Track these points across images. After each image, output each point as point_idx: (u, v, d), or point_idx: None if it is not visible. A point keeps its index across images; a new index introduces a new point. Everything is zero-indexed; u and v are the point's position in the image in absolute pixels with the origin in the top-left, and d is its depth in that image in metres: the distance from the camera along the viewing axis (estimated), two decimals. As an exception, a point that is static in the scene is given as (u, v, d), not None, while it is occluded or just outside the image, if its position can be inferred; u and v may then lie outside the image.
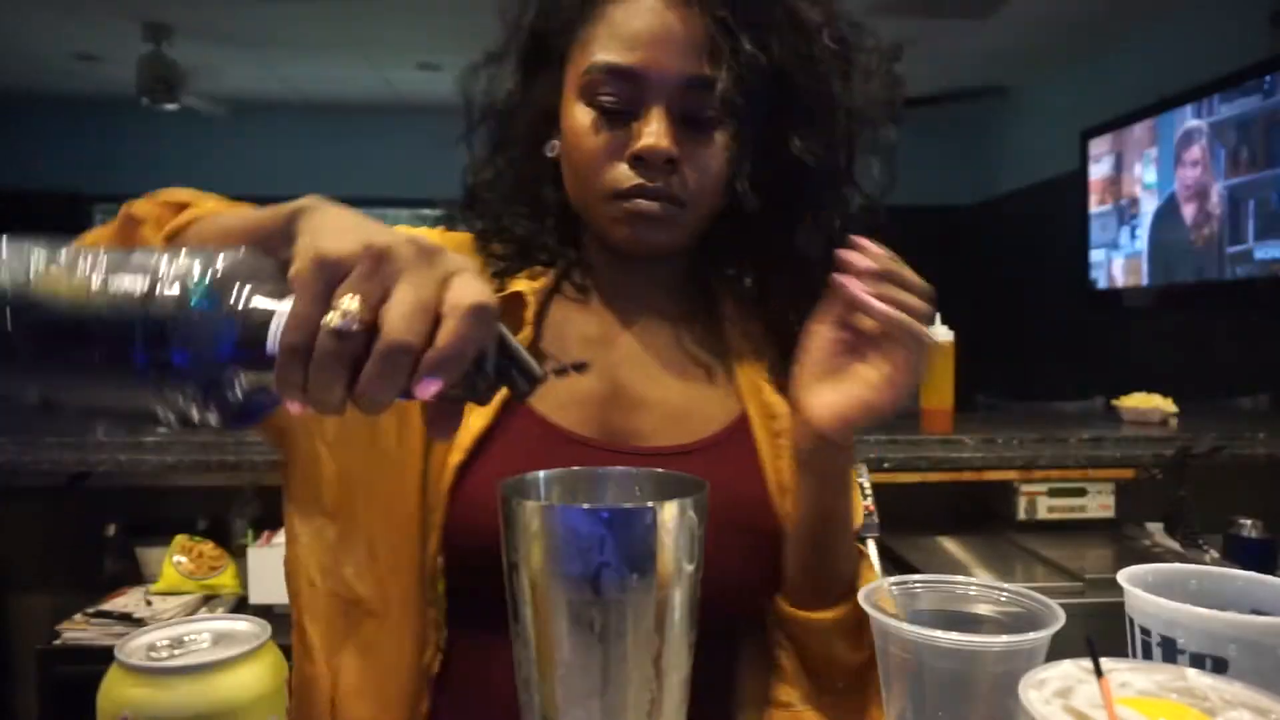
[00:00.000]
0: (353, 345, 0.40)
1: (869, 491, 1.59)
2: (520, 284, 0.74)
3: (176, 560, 1.81)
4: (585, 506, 0.46)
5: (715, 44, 0.67)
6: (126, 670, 0.45)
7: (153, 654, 0.47)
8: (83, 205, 6.49)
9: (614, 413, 0.74)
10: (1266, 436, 1.97)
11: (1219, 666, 0.47)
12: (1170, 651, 0.50)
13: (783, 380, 0.73)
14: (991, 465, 1.81)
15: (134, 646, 0.47)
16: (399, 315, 0.40)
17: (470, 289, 0.42)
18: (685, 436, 0.74)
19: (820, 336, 0.68)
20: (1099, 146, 4.96)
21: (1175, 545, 1.71)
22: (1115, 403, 2.34)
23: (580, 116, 0.70)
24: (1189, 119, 4.22)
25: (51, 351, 0.41)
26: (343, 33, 4.87)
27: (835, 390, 0.67)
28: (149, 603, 1.76)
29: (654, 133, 0.67)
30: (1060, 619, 0.48)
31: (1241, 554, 1.69)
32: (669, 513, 0.45)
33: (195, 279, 0.40)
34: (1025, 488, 1.79)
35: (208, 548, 1.86)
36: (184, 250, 0.41)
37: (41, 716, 1.70)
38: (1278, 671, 0.46)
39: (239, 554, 1.86)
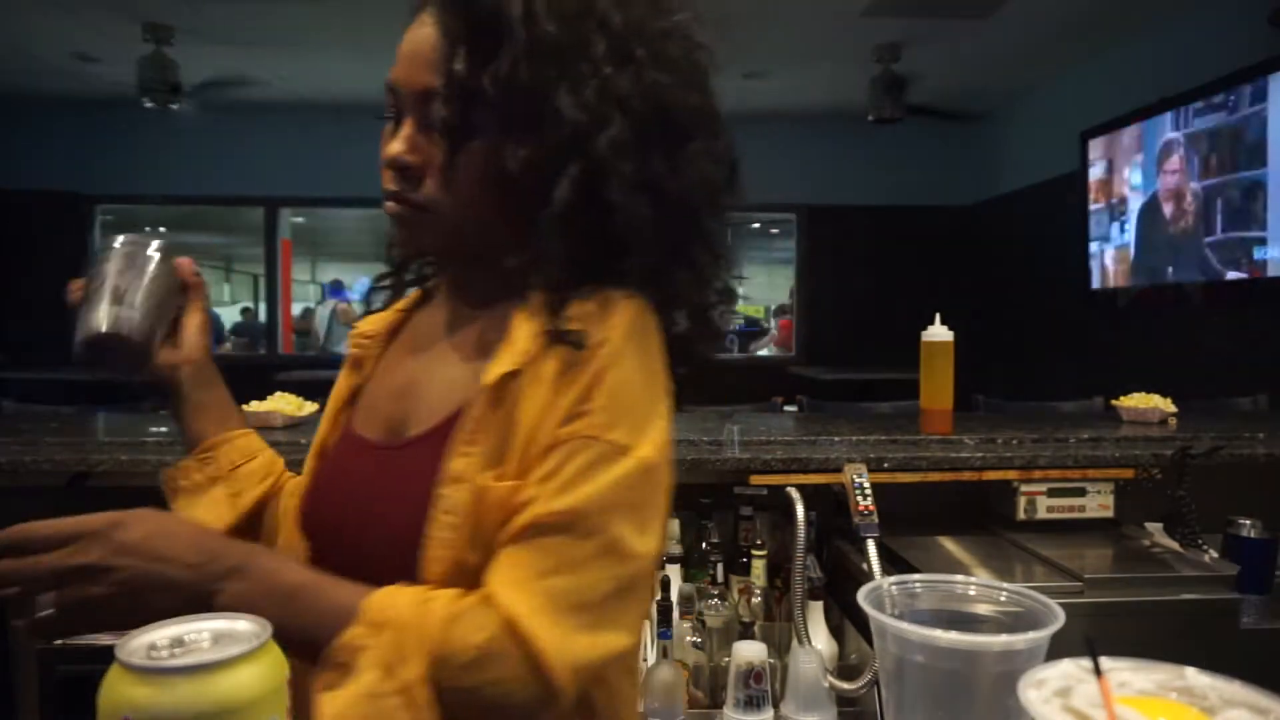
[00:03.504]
0: None
1: (869, 491, 1.59)
2: (368, 316, 0.90)
3: (176, 560, 1.81)
4: None
5: (442, 58, 0.71)
6: (127, 670, 0.45)
7: (153, 654, 0.47)
8: (83, 205, 6.50)
9: (395, 407, 0.80)
10: (1265, 436, 1.97)
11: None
12: None
13: (525, 348, 0.70)
14: (991, 465, 1.81)
15: (134, 646, 0.47)
16: None
17: None
18: (428, 423, 0.75)
19: None
20: (1097, 147, 4.96)
21: (1174, 545, 1.71)
22: (1114, 403, 2.34)
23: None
24: (1168, 130, 4.28)
25: None
26: (342, 33, 4.87)
27: None
28: (149, 603, 1.76)
29: (391, 142, 0.74)
30: (1060, 619, 0.48)
31: (1240, 554, 1.69)
32: None
33: None
34: (1025, 487, 1.79)
35: (208, 548, 1.86)
36: None
37: (42, 716, 1.70)
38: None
39: (239, 554, 1.86)
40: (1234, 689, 0.40)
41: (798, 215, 7.16)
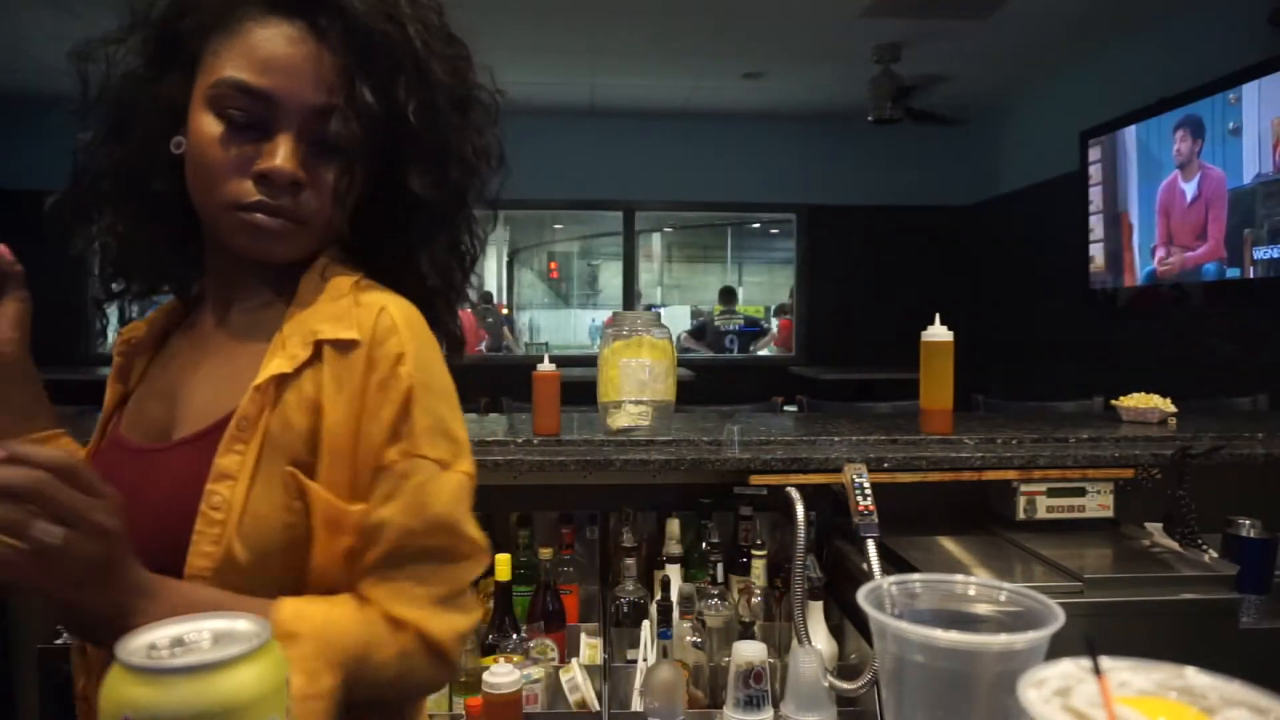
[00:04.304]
0: None
1: (869, 491, 1.59)
2: (131, 325, 0.87)
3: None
4: None
5: (339, 82, 0.74)
6: (127, 670, 0.45)
7: (153, 654, 0.47)
8: (82, 205, 6.49)
9: (162, 411, 0.80)
10: (1265, 436, 1.98)
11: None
12: None
13: (296, 351, 0.76)
14: (991, 465, 1.81)
15: (134, 646, 0.47)
16: None
17: None
18: (195, 427, 0.76)
19: None
20: (1097, 147, 4.96)
21: (1174, 545, 1.71)
22: (1114, 403, 2.34)
23: (209, 126, 0.74)
24: (1165, 129, 4.27)
25: None
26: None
27: None
28: (149, 603, 1.76)
29: (282, 155, 0.73)
30: (1060, 618, 0.48)
31: (1240, 553, 1.70)
32: None
33: None
34: (1024, 487, 1.79)
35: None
36: None
37: (42, 716, 1.70)
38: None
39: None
40: (1234, 689, 0.40)
41: (798, 215, 7.16)
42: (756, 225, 9.14)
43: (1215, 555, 1.66)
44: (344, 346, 0.75)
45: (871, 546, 1.49)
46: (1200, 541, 1.68)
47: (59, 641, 1.68)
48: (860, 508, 1.56)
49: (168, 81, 0.77)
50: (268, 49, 0.73)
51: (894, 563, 1.68)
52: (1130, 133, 4.66)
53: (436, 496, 0.75)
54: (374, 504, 0.74)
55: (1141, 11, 4.51)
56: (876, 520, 1.54)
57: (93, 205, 0.81)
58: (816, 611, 1.60)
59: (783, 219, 7.64)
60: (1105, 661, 0.41)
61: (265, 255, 0.77)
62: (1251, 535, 1.72)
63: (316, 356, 0.75)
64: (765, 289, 9.55)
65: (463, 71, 0.81)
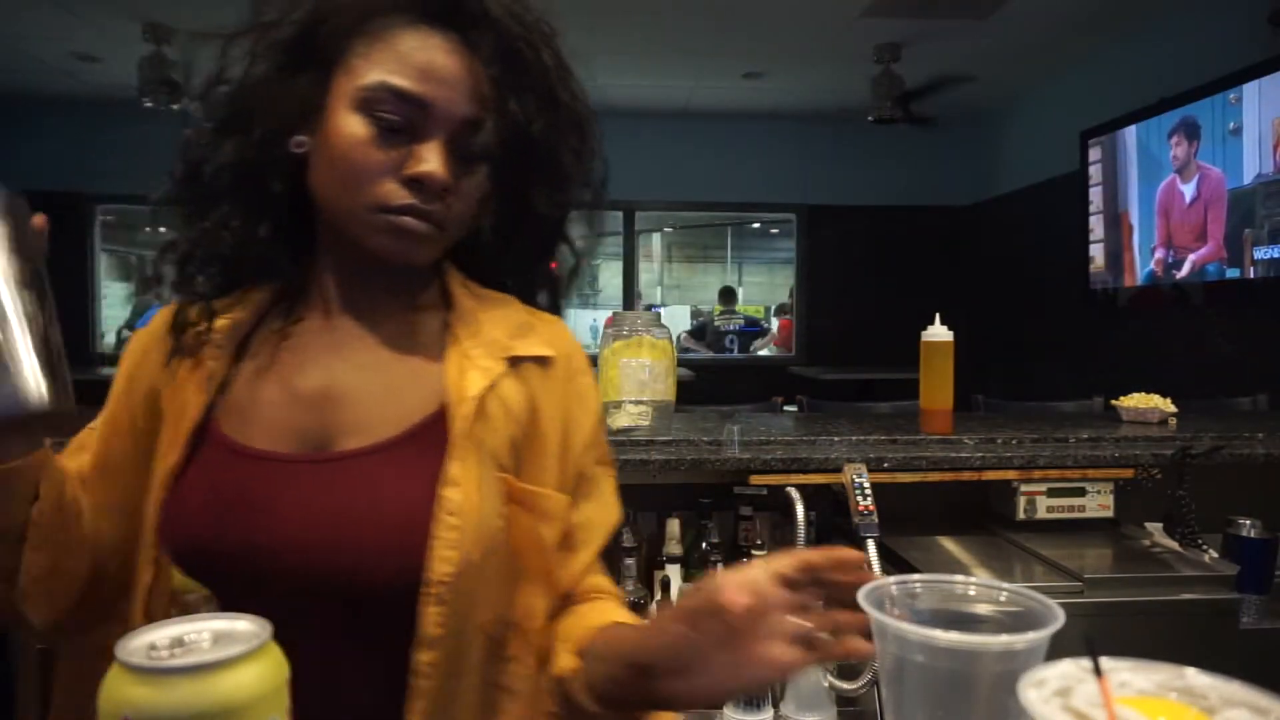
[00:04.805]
0: None
1: (869, 491, 1.59)
2: (221, 319, 0.80)
3: (176, 560, 1.81)
4: None
5: (488, 94, 0.76)
6: (127, 670, 0.45)
7: (153, 654, 0.47)
8: (83, 205, 6.50)
9: (314, 417, 0.77)
10: (1265, 436, 1.97)
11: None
12: None
13: (489, 365, 0.79)
14: (991, 465, 1.81)
15: (134, 646, 0.47)
16: None
17: None
18: (382, 432, 0.76)
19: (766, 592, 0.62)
20: (1097, 147, 4.96)
21: (1174, 545, 1.71)
22: (1114, 403, 2.34)
23: (355, 127, 0.73)
24: (1165, 129, 4.27)
25: None
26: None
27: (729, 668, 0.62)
28: (149, 603, 1.76)
29: (436, 162, 0.73)
30: (1060, 619, 0.48)
31: (1240, 553, 1.69)
32: None
33: None
34: (1024, 487, 1.79)
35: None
36: None
37: (42, 716, 1.70)
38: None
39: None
40: (1234, 689, 0.40)
41: (798, 215, 7.16)
42: (756, 225, 9.13)
43: (1215, 555, 1.66)
44: (541, 361, 0.82)
45: (871, 546, 1.49)
46: (1200, 542, 1.68)
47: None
48: (860, 508, 1.56)
49: (299, 82, 0.76)
50: (423, 56, 0.74)
51: (894, 563, 1.68)
52: (1130, 133, 4.66)
53: (616, 499, 0.88)
54: (579, 506, 0.83)
55: (1141, 11, 4.51)
56: (876, 520, 1.54)
57: (206, 200, 0.79)
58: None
59: (783, 219, 7.64)
60: (1105, 662, 0.41)
61: (403, 258, 0.77)
62: (1252, 535, 1.72)
63: (510, 368, 0.80)
64: (765, 289, 9.55)
65: (582, 96, 0.83)
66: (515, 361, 0.80)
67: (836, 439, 1.94)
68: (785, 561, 0.62)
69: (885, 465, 1.77)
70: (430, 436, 0.76)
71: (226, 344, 0.80)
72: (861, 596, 0.52)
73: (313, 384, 0.78)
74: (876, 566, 1.49)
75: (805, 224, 7.14)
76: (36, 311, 0.59)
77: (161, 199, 0.81)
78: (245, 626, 0.49)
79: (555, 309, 0.91)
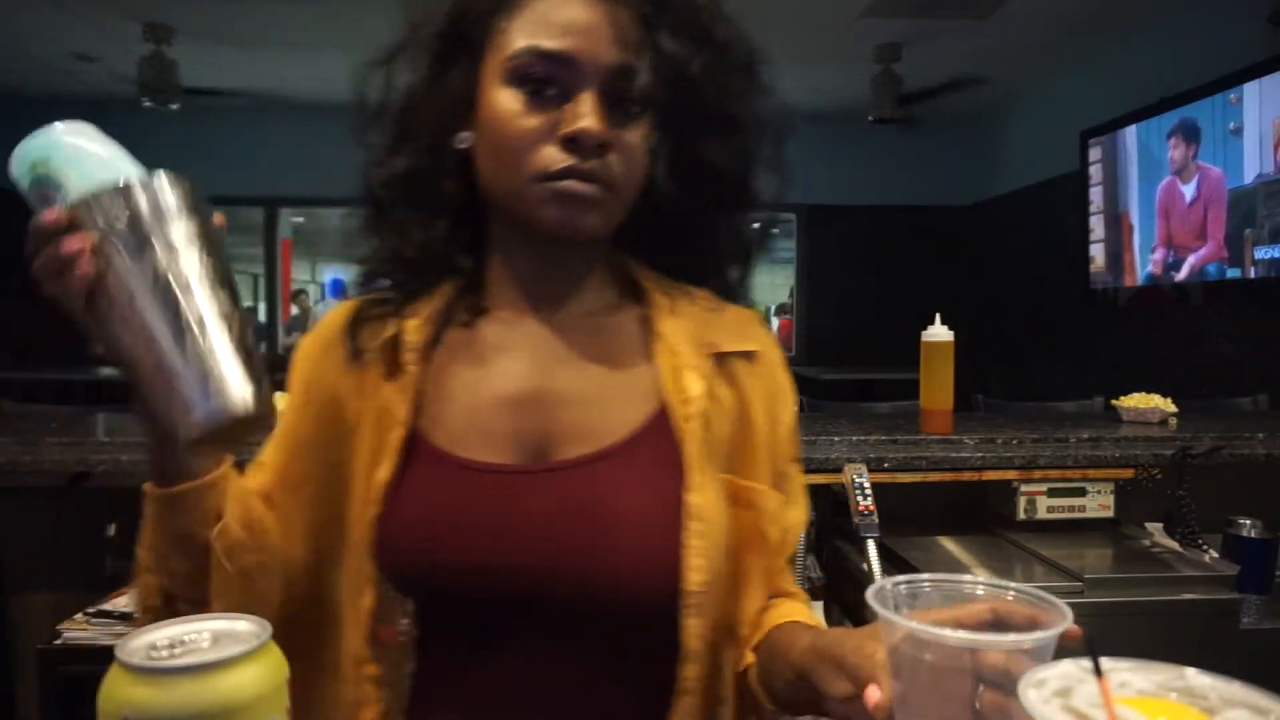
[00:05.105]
0: None
1: (869, 491, 1.59)
2: (408, 323, 0.76)
3: (176, 560, 1.81)
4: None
5: (638, 38, 0.70)
6: (126, 670, 0.45)
7: (153, 654, 0.47)
8: (82, 205, 6.49)
9: (529, 423, 0.73)
10: (1266, 436, 1.97)
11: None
12: None
13: (699, 362, 0.76)
14: (991, 465, 1.81)
15: (134, 646, 0.47)
16: None
17: None
18: (607, 436, 0.73)
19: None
20: (1097, 147, 4.96)
21: (1174, 545, 1.71)
22: (1115, 402, 2.34)
23: (506, 100, 0.70)
24: (1165, 129, 4.27)
25: None
26: (342, 32, 4.87)
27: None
28: (149, 603, 1.76)
29: (588, 116, 0.68)
30: (1068, 618, 0.48)
31: (1240, 554, 1.69)
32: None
33: None
34: (1025, 487, 1.79)
35: (208, 548, 1.86)
36: None
37: (42, 716, 1.70)
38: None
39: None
40: (1234, 689, 0.40)
41: (798, 215, 7.16)
42: (756, 225, 9.13)
43: (1216, 555, 1.66)
44: (747, 356, 0.79)
45: (872, 546, 1.49)
46: (1201, 542, 1.68)
47: (58, 642, 1.69)
48: (860, 508, 1.56)
49: (452, 76, 0.74)
50: (563, 13, 0.70)
51: (894, 563, 1.68)
52: (1130, 133, 4.66)
53: (806, 499, 0.84)
54: (781, 500, 0.80)
55: (1142, 11, 4.51)
56: (877, 520, 1.54)
57: (385, 211, 0.78)
58: (816, 612, 1.60)
59: (783, 219, 7.64)
60: (1106, 662, 0.41)
61: (572, 228, 0.71)
62: (1252, 535, 1.72)
63: (717, 365, 0.77)
64: (765, 289, 9.52)
65: (744, 36, 0.77)
66: (721, 358, 0.77)
67: (837, 439, 1.94)
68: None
69: (885, 465, 1.77)
70: (656, 440, 0.73)
71: (420, 347, 0.75)
72: (870, 596, 0.52)
73: (521, 388, 0.74)
74: (877, 567, 1.49)
75: (805, 224, 7.14)
76: (232, 311, 0.56)
77: (350, 220, 0.80)
78: (245, 626, 0.49)
79: (743, 284, 0.86)
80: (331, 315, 0.81)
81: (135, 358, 0.54)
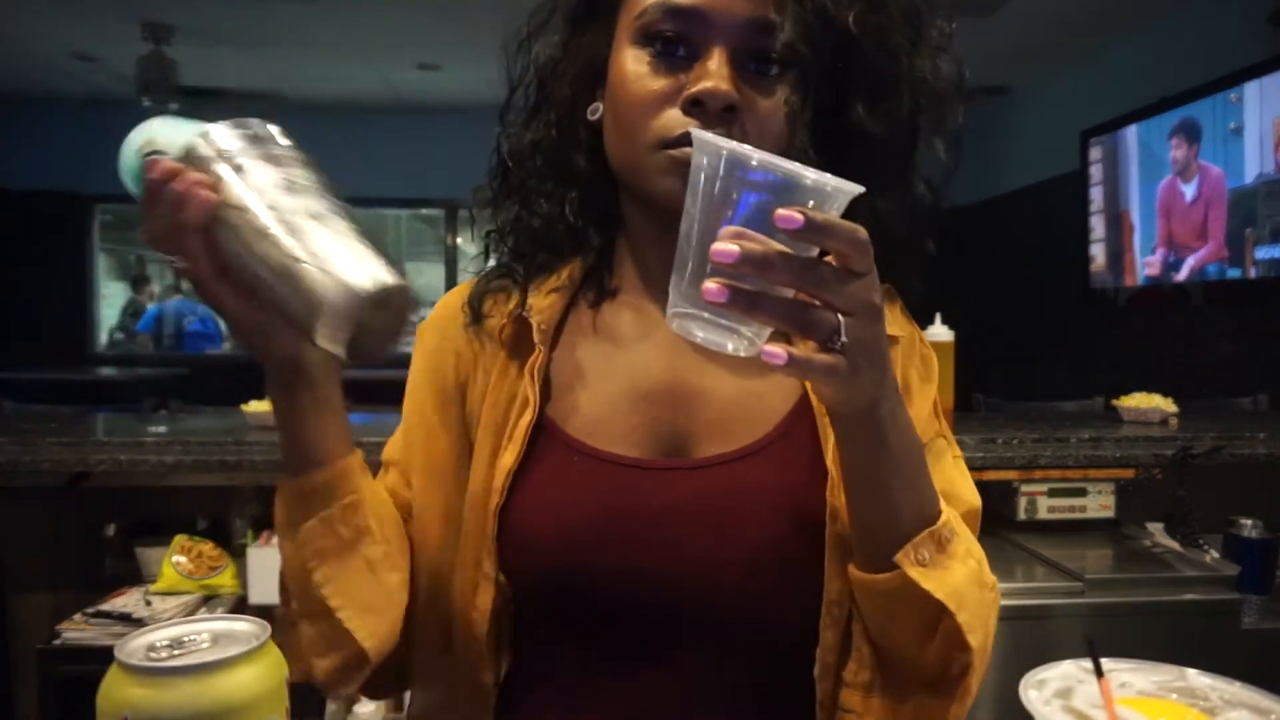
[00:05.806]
0: None
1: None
2: (533, 300, 0.71)
3: (176, 560, 1.81)
4: None
5: None
6: (126, 670, 0.45)
7: (152, 654, 0.47)
8: (83, 205, 6.49)
9: (665, 417, 0.68)
10: (1266, 436, 1.97)
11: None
12: None
13: None
14: (991, 465, 1.81)
15: (134, 647, 0.47)
16: None
17: None
18: (747, 434, 0.68)
19: None
20: (1097, 146, 4.96)
21: (1175, 545, 1.71)
22: (1115, 402, 2.34)
23: (632, 63, 0.65)
24: (1166, 128, 4.27)
25: None
26: (343, 33, 4.87)
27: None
28: (149, 603, 1.76)
29: (714, 74, 0.61)
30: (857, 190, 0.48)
31: (1241, 554, 1.69)
32: None
33: None
34: (1025, 487, 1.79)
35: (207, 548, 1.86)
36: None
37: (42, 716, 1.70)
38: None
39: (239, 554, 1.87)
40: (1235, 689, 0.40)
41: (798, 215, 7.15)
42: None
43: (1216, 555, 1.66)
44: (892, 341, 0.72)
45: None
46: (1201, 542, 1.68)
47: (57, 642, 1.69)
48: (860, 508, 1.56)
49: (585, 43, 0.70)
50: None
51: (894, 563, 1.68)
52: (1131, 132, 4.66)
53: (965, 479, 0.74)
54: None
55: (1142, 11, 4.51)
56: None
57: (516, 184, 0.73)
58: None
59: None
60: (1106, 663, 0.41)
61: None
62: (1253, 535, 1.72)
63: None
64: (766, 289, 9.55)
65: None
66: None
67: (837, 439, 1.94)
68: None
69: (885, 465, 1.77)
70: (798, 437, 0.68)
71: (548, 328, 0.70)
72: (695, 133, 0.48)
73: (659, 379, 0.69)
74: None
75: (805, 224, 7.14)
76: (345, 208, 0.56)
77: (479, 199, 0.75)
78: (245, 627, 0.49)
79: (919, 274, 0.79)
80: (450, 295, 0.77)
81: (258, 274, 0.53)
